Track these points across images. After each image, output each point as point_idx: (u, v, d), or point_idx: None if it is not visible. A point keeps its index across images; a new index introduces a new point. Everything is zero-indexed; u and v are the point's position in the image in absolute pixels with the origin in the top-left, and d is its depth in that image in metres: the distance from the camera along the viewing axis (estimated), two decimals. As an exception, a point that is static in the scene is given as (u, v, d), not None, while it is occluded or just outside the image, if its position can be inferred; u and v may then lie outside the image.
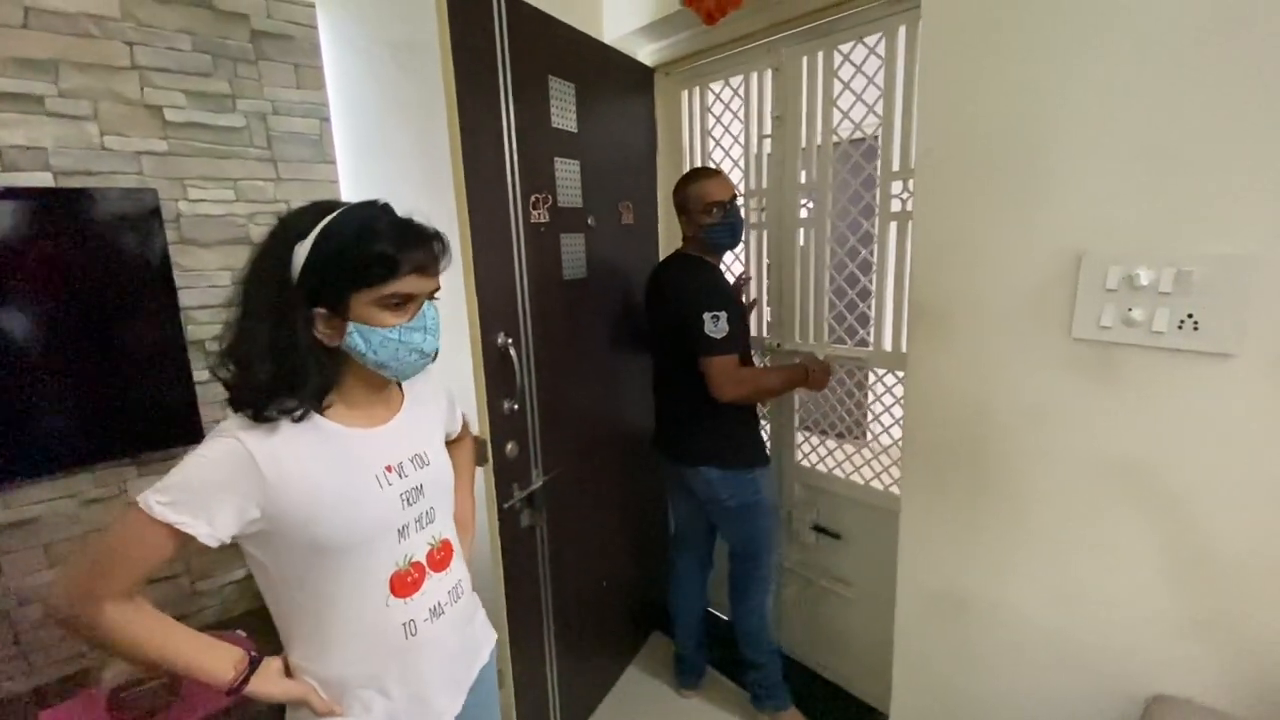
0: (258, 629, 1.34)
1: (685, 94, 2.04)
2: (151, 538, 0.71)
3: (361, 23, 1.54)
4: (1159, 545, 1.03)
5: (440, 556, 0.91)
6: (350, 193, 1.54)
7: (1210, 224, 0.92)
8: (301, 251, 0.75)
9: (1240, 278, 0.90)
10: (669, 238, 2.13)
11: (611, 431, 1.89)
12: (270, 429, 0.75)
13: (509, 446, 1.40)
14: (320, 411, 0.80)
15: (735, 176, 1.99)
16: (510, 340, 1.37)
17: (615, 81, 1.80)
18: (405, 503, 0.85)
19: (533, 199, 1.44)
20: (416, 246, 0.78)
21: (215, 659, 0.79)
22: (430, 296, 0.84)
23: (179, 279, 1.30)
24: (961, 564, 1.30)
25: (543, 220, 1.47)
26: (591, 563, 1.83)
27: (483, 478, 1.36)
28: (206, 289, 1.36)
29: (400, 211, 0.83)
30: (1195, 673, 1.02)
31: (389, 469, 0.84)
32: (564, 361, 1.61)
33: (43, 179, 1.18)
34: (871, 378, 2.02)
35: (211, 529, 0.72)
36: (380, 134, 1.59)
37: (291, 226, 0.77)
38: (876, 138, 3.44)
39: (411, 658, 0.86)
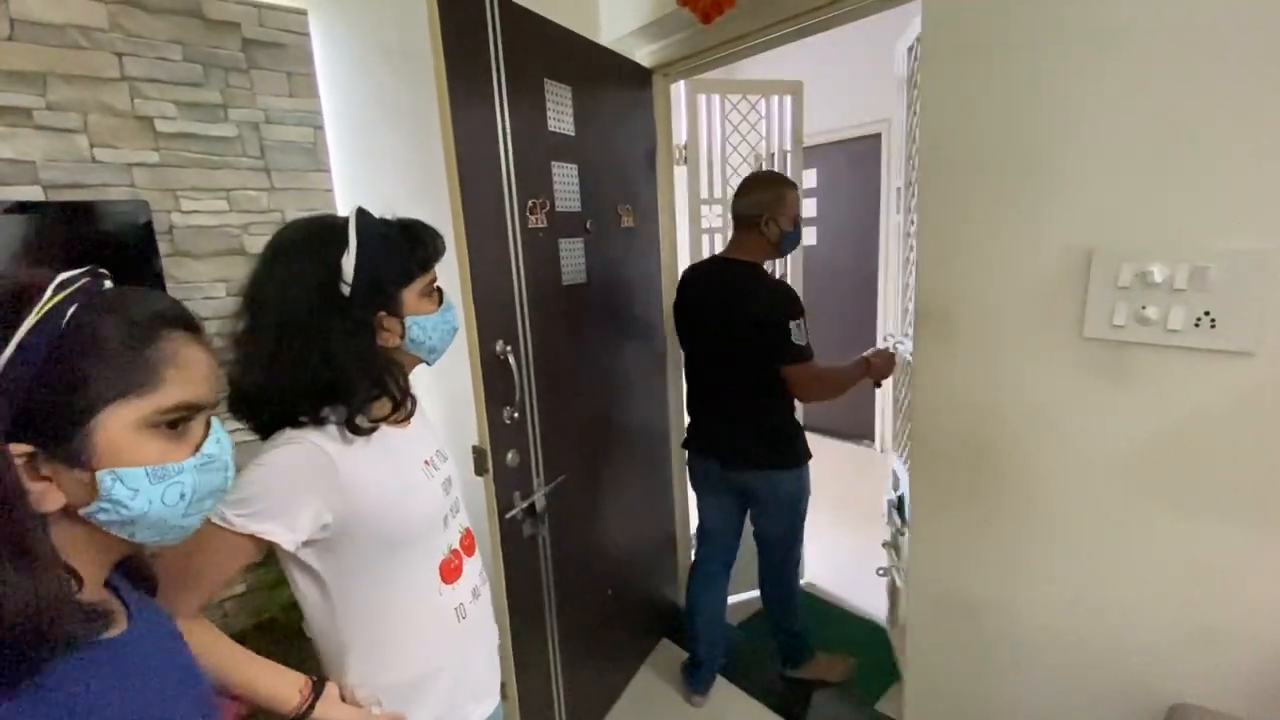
0: (262, 647, 1.32)
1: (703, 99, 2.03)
2: (231, 550, 0.73)
3: (354, 29, 1.52)
4: (1176, 550, 1.00)
5: (468, 543, 0.96)
6: (345, 201, 1.52)
7: (1227, 218, 0.89)
8: (349, 264, 0.76)
9: (1259, 274, 0.87)
10: (670, 240, 2.11)
11: (614, 437, 1.86)
12: (340, 432, 0.77)
13: (509, 455, 1.38)
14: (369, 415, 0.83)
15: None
16: (509, 348, 1.35)
17: (613, 83, 1.78)
18: (445, 491, 0.90)
19: (530, 204, 1.42)
20: (435, 238, 0.87)
21: (282, 683, 0.79)
22: None
23: (173, 291, 1.29)
24: (972, 568, 1.27)
25: (540, 225, 1.45)
26: (596, 572, 1.80)
27: (483, 488, 1.34)
28: (201, 301, 1.35)
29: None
30: (1215, 681, 0.99)
31: (427, 462, 0.89)
32: (564, 368, 1.59)
33: (32, 193, 1.16)
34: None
35: (293, 534, 0.74)
36: (375, 141, 1.57)
37: (329, 241, 0.78)
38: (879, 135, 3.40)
39: (467, 640, 0.91)
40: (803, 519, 1.88)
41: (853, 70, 3.69)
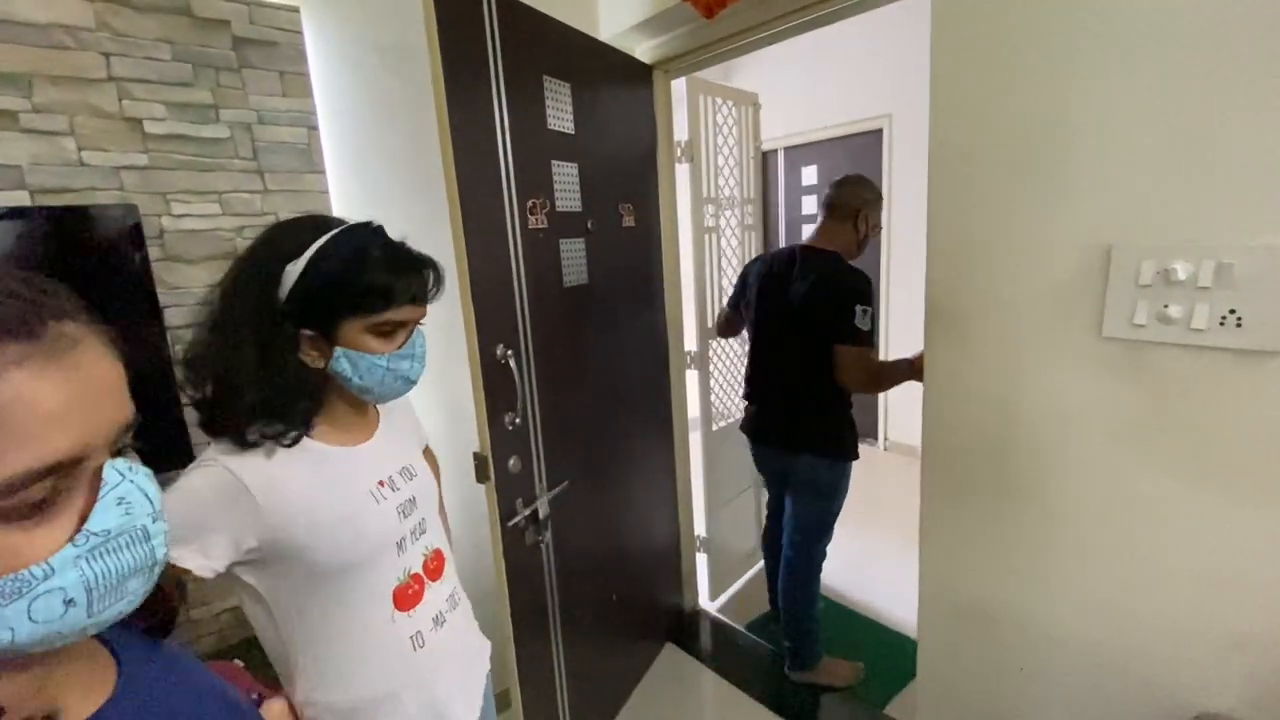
0: (257, 660, 1.29)
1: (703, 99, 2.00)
2: None
3: (348, 26, 1.49)
4: (1203, 556, 0.97)
5: (435, 565, 0.91)
6: (340, 202, 1.49)
7: (1253, 212, 0.86)
8: (294, 272, 0.73)
9: (1287, 270, 0.84)
10: (672, 239, 2.07)
11: (618, 441, 1.83)
12: (264, 454, 0.73)
13: (511, 462, 1.35)
14: (308, 433, 0.78)
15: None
16: (510, 352, 1.31)
17: (612, 80, 1.74)
18: (401, 515, 0.85)
19: (530, 204, 1.38)
20: (411, 275, 0.78)
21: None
22: (418, 323, 0.84)
23: (164, 297, 1.25)
24: (987, 575, 1.24)
25: (541, 226, 1.42)
26: (601, 578, 1.77)
27: (484, 496, 1.31)
28: (193, 307, 1.31)
29: (395, 235, 0.82)
30: (1243, 690, 0.96)
31: (381, 484, 0.84)
32: (567, 371, 1.56)
33: (19, 198, 1.13)
34: None
35: (207, 560, 0.70)
36: (371, 141, 1.54)
37: (282, 244, 0.76)
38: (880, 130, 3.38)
39: (425, 670, 0.86)
40: (833, 517, 1.89)
41: (853, 65, 3.65)
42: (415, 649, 0.84)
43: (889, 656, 2.07)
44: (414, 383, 0.84)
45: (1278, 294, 0.85)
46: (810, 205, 4.12)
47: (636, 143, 1.87)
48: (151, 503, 0.37)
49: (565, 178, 1.51)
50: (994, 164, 1.10)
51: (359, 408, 0.87)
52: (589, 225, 1.60)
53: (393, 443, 0.90)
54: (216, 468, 0.71)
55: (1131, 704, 1.08)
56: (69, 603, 0.32)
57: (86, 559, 0.33)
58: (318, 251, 0.74)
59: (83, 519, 0.33)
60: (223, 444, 0.73)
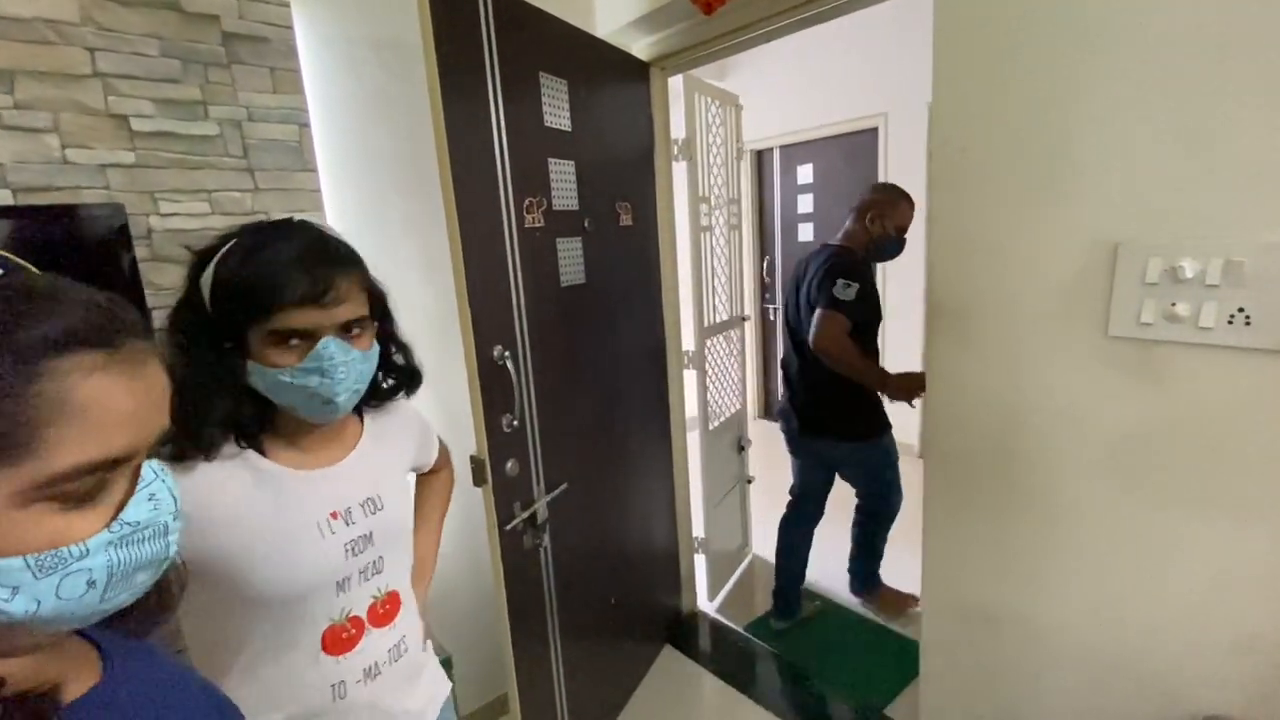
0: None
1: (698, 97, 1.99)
2: None
3: (341, 22, 1.46)
4: (1211, 557, 0.96)
5: (385, 610, 0.82)
6: (333, 202, 1.46)
7: (1262, 209, 0.85)
8: (206, 280, 0.70)
9: (1298, 268, 0.83)
10: (670, 238, 2.06)
11: (616, 442, 1.81)
12: (187, 467, 0.68)
13: (509, 465, 1.32)
14: (260, 449, 0.73)
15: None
16: (507, 353, 1.29)
17: (609, 77, 1.72)
18: (349, 553, 0.77)
19: (526, 202, 1.36)
20: (305, 272, 0.68)
21: None
22: (346, 332, 0.72)
23: (151, 299, 1.22)
24: (991, 576, 1.23)
25: (537, 224, 1.40)
26: (600, 580, 1.75)
27: (482, 500, 1.29)
28: (183, 308, 1.29)
29: (336, 233, 0.76)
30: (1251, 691, 0.95)
31: (334, 515, 0.76)
32: (565, 373, 1.54)
33: (1, 197, 1.10)
34: None
35: None
36: (365, 139, 1.51)
37: (203, 251, 0.72)
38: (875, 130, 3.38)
39: None
40: (893, 476, 2.15)
41: (849, 64, 3.64)
42: (334, 699, 0.76)
43: (888, 656, 2.06)
44: (332, 403, 0.72)
45: (1287, 292, 0.84)
46: (806, 204, 4.11)
47: (633, 140, 1.85)
48: (175, 502, 0.41)
49: (562, 176, 1.48)
50: (996, 161, 1.09)
51: (328, 428, 0.78)
52: (586, 224, 1.58)
53: (368, 468, 0.82)
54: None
55: (1137, 706, 1.07)
56: (90, 584, 0.36)
57: (115, 546, 0.37)
58: (221, 255, 0.69)
59: (119, 509, 0.38)
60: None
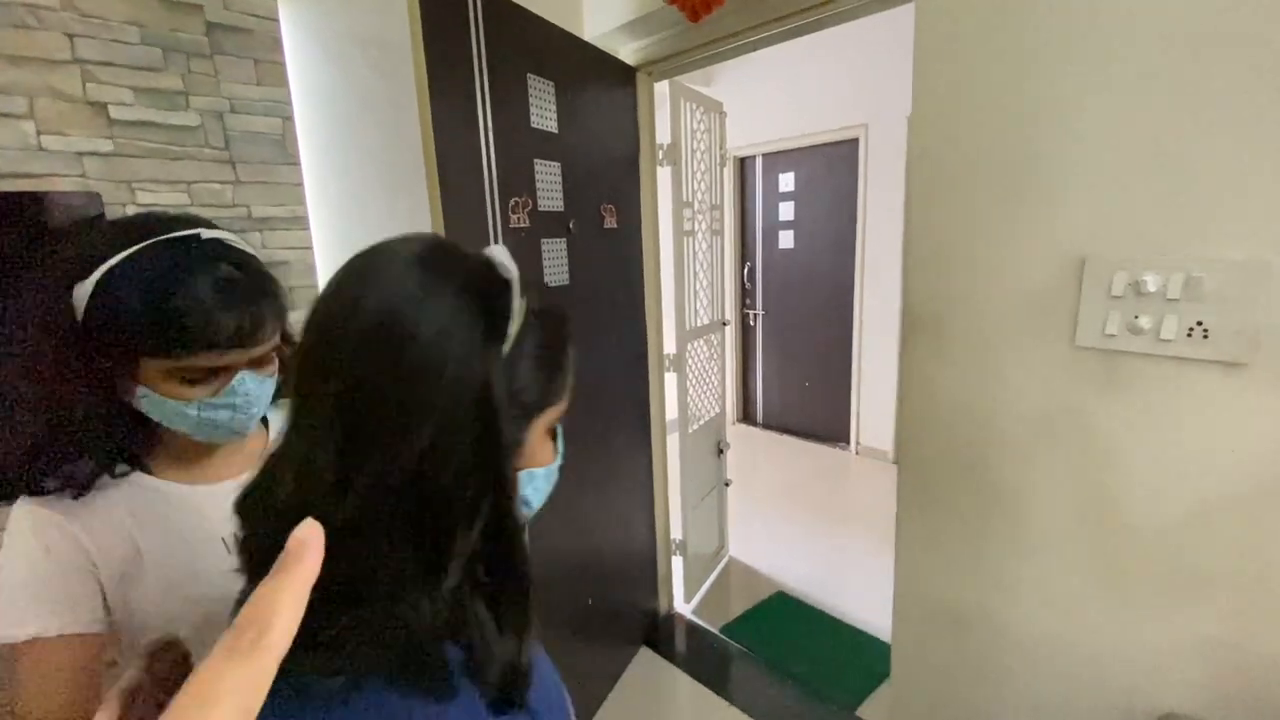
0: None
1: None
2: (53, 663, 0.59)
3: (327, 17, 1.45)
4: (1171, 560, 1.00)
5: None
6: (316, 196, 1.45)
7: (1221, 229, 0.89)
8: (81, 295, 0.58)
9: (1253, 284, 0.87)
10: (654, 242, 2.07)
11: (597, 445, 1.82)
12: (62, 511, 0.61)
13: (489, 464, 1.32)
14: (147, 469, 0.67)
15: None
16: (489, 352, 1.29)
17: (596, 80, 1.73)
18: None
19: (512, 202, 1.37)
20: (231, 310, 0.60)
21: None
22: (258, 365, 0.66)
23: (127, 290, 1.21)
24: (961, 579, 1.26)
25: (522, 225, 1.40)
26: (578, 583, 1.76)
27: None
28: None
29: (240, 247, 0.67)
30: (1205, 690, 0.99)
31: None
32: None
33: (-28, 182, 1.08)
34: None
35: (95, 613, 0.61)
36: (348, 135, 1.51)
37: (74, 258, 0.60)
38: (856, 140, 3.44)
39: None
40: None
41: (831, 75, 3.70)
42: None
43: (860, 658, 2.09)
44: (240, 434, 0.67)
45: (1243, 307, 0.88)
46: (787, 211, 4.16)
47: (619, 144, 1.86)
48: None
49: (548, 177, 1.49)
50: (972, 175, 1.12)
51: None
52: (571, 226, 1.58)
53: None
54: (30, 511, 0.60)
55: (1101, 705, 1.11)
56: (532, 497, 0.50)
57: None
58: (106, 274, 0.58)
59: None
60: (24, 497, 0.61)
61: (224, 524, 0.67)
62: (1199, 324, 0.92)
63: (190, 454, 0.70)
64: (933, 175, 1.18)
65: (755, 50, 1.74)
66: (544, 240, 1.49)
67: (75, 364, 0.59)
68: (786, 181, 4.12)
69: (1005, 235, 1.09)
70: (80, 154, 1.17)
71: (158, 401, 0.62)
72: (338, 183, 1.49)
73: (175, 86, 1.26)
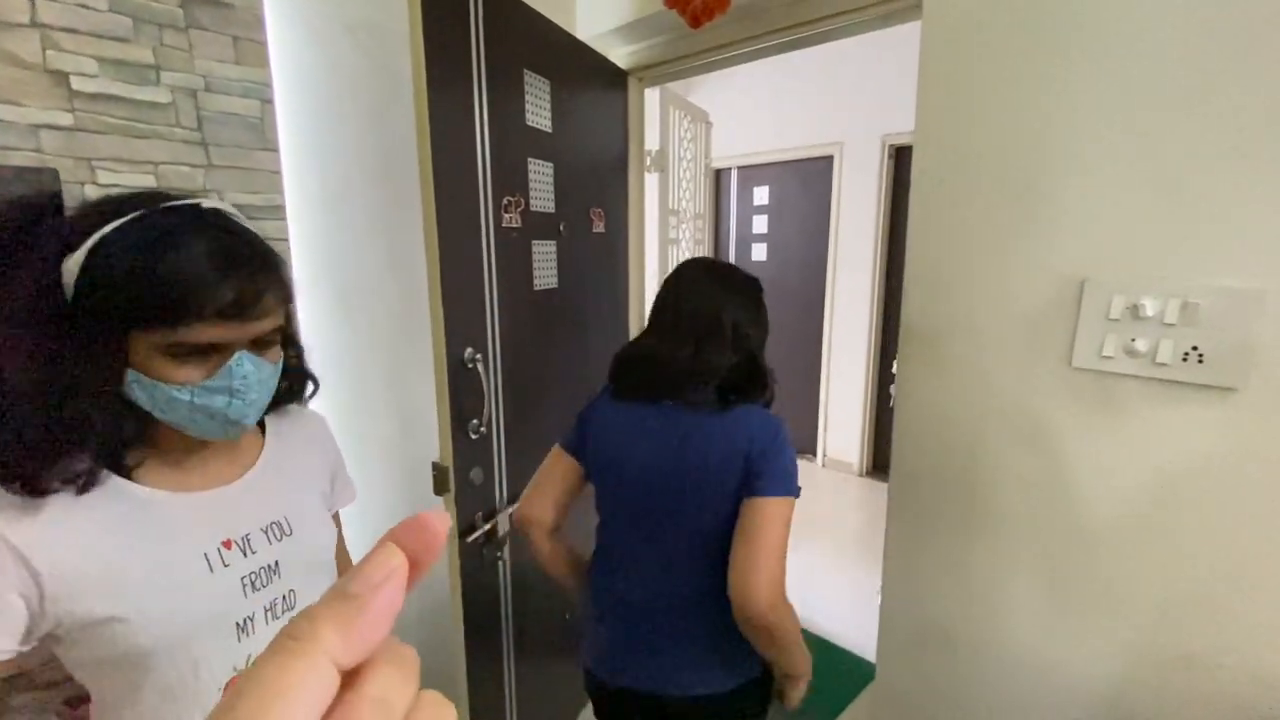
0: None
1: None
2: None
3: (313, -3, 1.38)
4: (1157, 581, 1.02)
5: None
6: (294, 184, 1.37)
7: (1218, 256, 0.91)
8: (70, 270, 0.55)
9: (1247, 311, 0.90)
10: (639, 248, 2.04)
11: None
12: (31, 506, 0.55)
13: (473, 473, 1.27)
14: (125, 473, 0.61)
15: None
16: (478, 356, 1.24)
17: (590, 82, 1.70)
18: (250, 587, 0.65)
19: (505, 201, 1.32)
20: (228, 279, 0.57)
21: None
22: (257, 345, 0.62)
23: (83, 276, 1.11)
24: (949, 598, 1.26)
25: (515, 225, 1.36)
26: (556, 595, 1.70)
27: (443, 510, 1.23)
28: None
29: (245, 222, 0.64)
30: (1190, 709, 1.01)
31: (228, 544, 0.65)
32: (533, 379, 1.49)
33: (-91, 150, 0.97)
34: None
35: (11, 640, 0.55)
36: (332, 122, 1.43)
37: (65, 230, 0.57)
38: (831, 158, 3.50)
39: None
40: None
41: (809, 92, 3.76)
42: None
43: (834, 672, 2.09)
44: (238, 424, 0.62)
45: (1237, 333, 0.91)
46: (761, 224, 4.20)
47: (609, 148, 1.83)
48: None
49: (541, 176, 1.45)
50: (973, 196, 1.13)
51: (220, 442, 0.66)
52: (561, 228, 1.54)
53: (271, 485, 0.71)
54: None
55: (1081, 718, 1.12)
56: None
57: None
58: (99, 241, 0.55)
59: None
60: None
61: (209, 537, 0.64)
62: (1194, 349, 0.94)
63: (179, 455, 0.65)
64: (934, 194, 1.18)
65: (750, 61, 1.74)
66: (535, 242, 1.45)
67: (68, 348, 0.55)
68: (761, 195, 4.16)
69: (1005, 255, 1.11)
70: (35, 126, 1.07)
71: (148, 386, 0.57)
72: (319, 172, 1.42)
73: (145, 59, 1.17)
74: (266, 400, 0.64)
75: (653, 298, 1.17)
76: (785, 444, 0.99)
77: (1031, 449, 1.12)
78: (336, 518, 0.88)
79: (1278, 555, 0.92)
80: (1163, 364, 0.97)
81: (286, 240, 1.31)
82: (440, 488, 1.21)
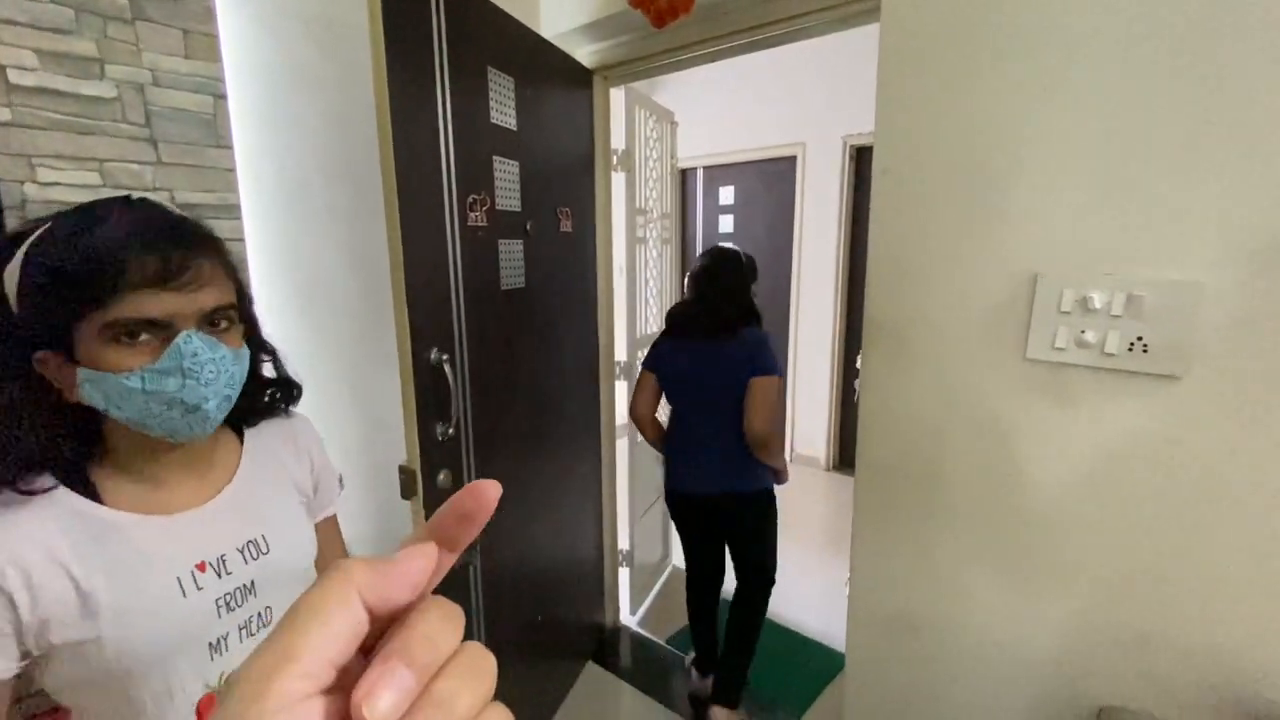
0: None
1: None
2: None
3: (266, -10, 1.34)
4: (1110, 562, 1.06)
5: None
6: (249, 183, 1.33)
7: (1161, 250, 0.96)
8: (13, 270, 0.55)
9: (1187, 303, 0.94)
10: (606, 248, 2.04)
11: (551, 453, 1.76)
12: (11, 523, 0.55)
13: (441, 476, 1.25)
14: (95, 497, 0.60)
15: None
16: (445, 356, 1.22)
17: (555, 80, 1.69)
18: (224, 608, 0.64)
19: (470, 199, 1.30)
20: (150, 247, 0.56)
21: None
22: (208, 326, 0.60)
23: (24, 278, 1.06)
24: (915, 585, 1.30)
25: (481, 224, 1.34)
26: (528, 598, 1.69)
27: (410, 515, 1.21)
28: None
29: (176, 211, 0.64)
30: (1145, 685, 1.06)
31: (201, 567, 0.63)
32: (502, 379, 1.48)
33: None
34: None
35: (11, 659, 0.55)
36: (288, 118, 1.39)
37: (10, 238, 0.58)
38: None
39: None
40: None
41: (772, 93, 3.81)
42: None
43: (805, 663, 2.12)
44: (200, 410, 0.58)
45: (1178, 324, 0.95)
46: (728, 224, 4.24)
47: (575, 147, 1.83)
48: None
49: (506, 175, 1.44)
50: (932, 193, 1.16)
51: (189, 455, 0.65)
52: (528, 227, 1.53)
53: (245, 503, 0.69)
54: None
55: (1046, 704, 1.16)
56: None
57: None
58: (35, 239, 0.55)
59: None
60: None
61: (183, 560, 0.63)
62: (1139, 339, 0.98)
63: (153, 471, 0.63)
64: (894, 192, 1.21)
65: (714, 61, 1.76)
66: (501, 241, 1.43)
67: (15, 359, 0.55)
68: (727, 195, 4.20)
69: (963, 251, 1.14)
70: (-32, 121, 1.02)
71: (99, 380, 0.55)
72: (274, 170, 1.38)
73: (88, 52, 1.12)
74: (230, 388, 0.62)
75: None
76: (768, 347, 1.70)
77: (990, 438, 1.15)
78: (334, 522, 0.87)
79: (1219, 532, 0.97)
80: (1110, 354, 1.01)
81: (242, 240, 1.28)
82: (407, 491, 1.19)
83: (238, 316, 0.64)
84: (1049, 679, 1.15)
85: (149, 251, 0.55)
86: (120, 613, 0.58)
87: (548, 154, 1.65)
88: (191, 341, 0.57)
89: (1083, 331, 1.03)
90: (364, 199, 1.12)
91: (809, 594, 2.46)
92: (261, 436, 0.75)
